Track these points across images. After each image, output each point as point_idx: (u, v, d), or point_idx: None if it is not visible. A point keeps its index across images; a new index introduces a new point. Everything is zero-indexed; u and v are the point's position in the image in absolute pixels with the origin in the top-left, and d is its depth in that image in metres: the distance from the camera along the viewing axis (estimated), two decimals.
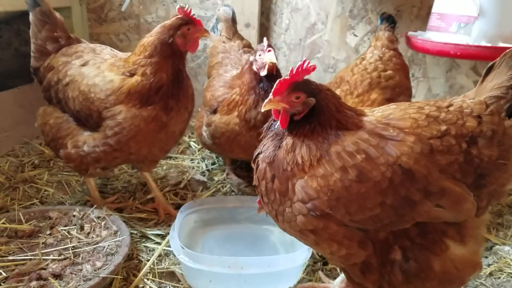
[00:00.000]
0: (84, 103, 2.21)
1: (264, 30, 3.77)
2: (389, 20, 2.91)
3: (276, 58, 2.44)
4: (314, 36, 3.70)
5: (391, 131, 1.44)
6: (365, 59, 2.76)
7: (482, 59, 2.72)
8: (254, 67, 2.51)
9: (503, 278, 2.08)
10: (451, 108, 1.51)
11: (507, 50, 1.48)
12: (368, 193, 1.39)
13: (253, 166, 1.60)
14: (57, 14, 2.48)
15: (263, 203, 1.61)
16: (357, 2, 3.59)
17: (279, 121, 1.53)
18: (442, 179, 1.40)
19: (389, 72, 2.67)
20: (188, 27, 2.27)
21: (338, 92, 2.59)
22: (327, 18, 3.64)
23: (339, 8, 3.62)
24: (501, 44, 2.65)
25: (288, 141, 1.51)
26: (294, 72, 1.47)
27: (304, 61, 1.46)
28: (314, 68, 1.50)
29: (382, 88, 2.59)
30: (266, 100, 1.50)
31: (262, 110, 1.51)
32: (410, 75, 3.75)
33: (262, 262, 1.94)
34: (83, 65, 2.29)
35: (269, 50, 2.43)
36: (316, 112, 1.49)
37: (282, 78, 1.49)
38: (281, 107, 1.49)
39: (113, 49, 2.48)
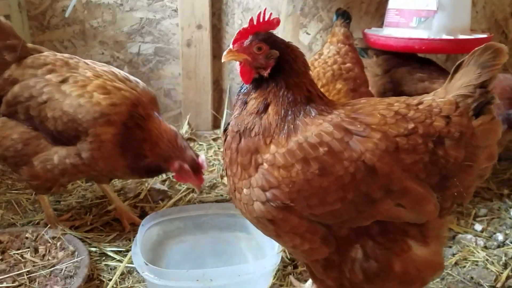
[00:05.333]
0: (70, 125, 2.08)
1: (217, 31, 3.70)
2: (344, 16, 2.89)
3: None
4: None
5: (358, 126, 1.41)
6: (323, 54, 2.76)
7: (446, 52, 2.80)
8: None
9: (468, 266, 2.13)
10: (420, 107, 1.48)
11: (476, 49, 1.46)
12: (330, 187, 1.36)
13: (222, 137, 1.54)
14: (2, 19, 2.28)
15: (227, 176, 1.55)
16: (308, 0, 3.59)
17: (243, 85, 1.49)
18: (405, 178, 1.39)
19: (348, 65, 2.69)
20: (189, 169, 2.23)
21: None
22: (279, 17, 3.62)
23: (290, 7, 3.61)
24: (461, 36, 2.73)
25: (253, 101, 1.45)
26: (255, 22, 1.41)
27: (265, 11, 1.42)
28: (278, 22, 1.46)
29: (344, 79, 2.60)
30: (226, 51, 1.43)
31: (222, 61, 1.46)
32: None
33: (231, 272, 1.88)
34: (62, 82, 2.14)
35: None
36: (282, 71, 1.43)
37: (242, 28, 1.42)
38: (242, 59, 1.43)
39: (87, 61, 2.32)
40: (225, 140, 1.52)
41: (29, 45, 2.35)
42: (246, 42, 1.43)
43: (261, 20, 1.43)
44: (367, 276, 1.46)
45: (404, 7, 2.83)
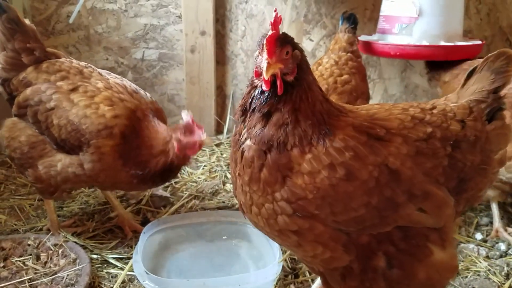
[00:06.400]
0: (74, 134, 2.10)
1: (220, 37, 3.72)
2: (350, 20, 2.84)
3: None
4: None
5: (378, 130, 1.39)
6: (321, 65, 2.75)
7: (423, 58, 2.83)
8: None
9: (470, 276, 2.11)
10: (434, 111, 1.50)
11: (489, 55, 1.49)
12: (355, 192, 1.33)
13: (238, 154, 1.41)
14: (27, 21, 2.32)
15: (240, 192, 1.44)
16: (311, 6, 3.60)
17: (256, 95, 1.35)
18: (426, 182, 1.39)
19: (345, 76, 2.66)
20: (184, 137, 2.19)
21: None
22: (282, 24, 3.63)
23: (294, 13, 3.62)
24: (442, 43, 2.72)
25: (279, 112, 1.32)
26: (273, 25, 1.28)
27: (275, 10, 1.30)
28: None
29: (338, 93, 2.59)
30: (264, 66, 1.27)
31: (266, 78, 1.28)
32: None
33: (232, 281, 1.88)
34: (72, 90, 2.16)
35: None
36: (302, 71, 1.35)
37: (267, 36, 1.28)
38: (278, 69, 1.29)
39: (102, 71, 2.35)
40: (241, 156, 1.39)
41: (49, 49, 2.38)
42: (277, 50, 1.29)
43: (275, 23, 1.30)
44: (389, 284, 1.45)
45: (389, 14, 2.88)
